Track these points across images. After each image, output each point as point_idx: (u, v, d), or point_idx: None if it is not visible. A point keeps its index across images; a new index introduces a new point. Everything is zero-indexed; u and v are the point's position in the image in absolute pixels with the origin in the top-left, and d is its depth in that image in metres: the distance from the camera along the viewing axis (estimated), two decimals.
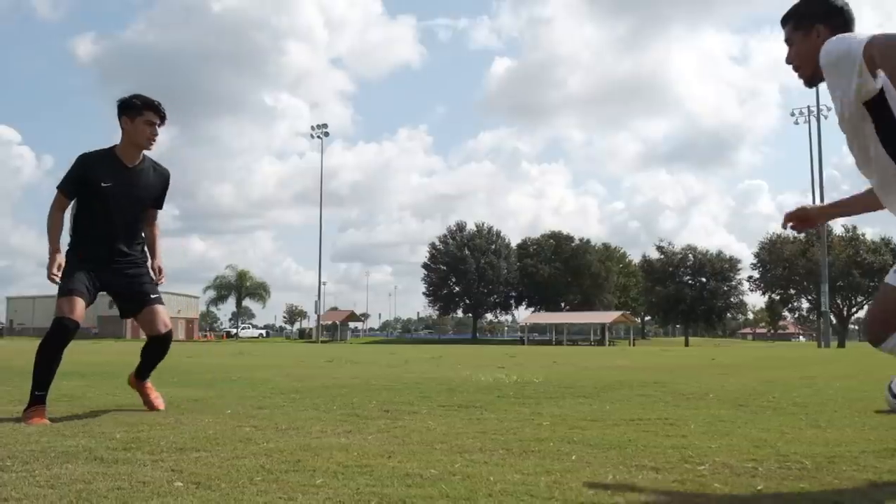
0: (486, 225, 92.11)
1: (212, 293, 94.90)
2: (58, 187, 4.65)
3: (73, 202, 4.70)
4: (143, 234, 4.88)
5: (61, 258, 4.51)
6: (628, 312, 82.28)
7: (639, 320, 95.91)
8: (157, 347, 4.87)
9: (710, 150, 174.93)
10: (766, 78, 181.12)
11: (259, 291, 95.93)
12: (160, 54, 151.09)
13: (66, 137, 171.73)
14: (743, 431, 3.85)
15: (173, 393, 5.83)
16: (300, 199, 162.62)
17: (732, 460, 2.98)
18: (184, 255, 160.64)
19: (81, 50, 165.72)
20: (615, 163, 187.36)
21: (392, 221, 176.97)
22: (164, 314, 4.80)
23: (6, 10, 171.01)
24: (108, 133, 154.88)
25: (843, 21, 2.72)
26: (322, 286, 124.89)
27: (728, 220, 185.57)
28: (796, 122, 56.48)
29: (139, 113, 4.62)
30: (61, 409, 4.72)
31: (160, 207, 4.95)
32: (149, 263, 4.86)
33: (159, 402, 4.90)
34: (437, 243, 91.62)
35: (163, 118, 4.70)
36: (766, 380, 8.08)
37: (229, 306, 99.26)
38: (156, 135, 4.69)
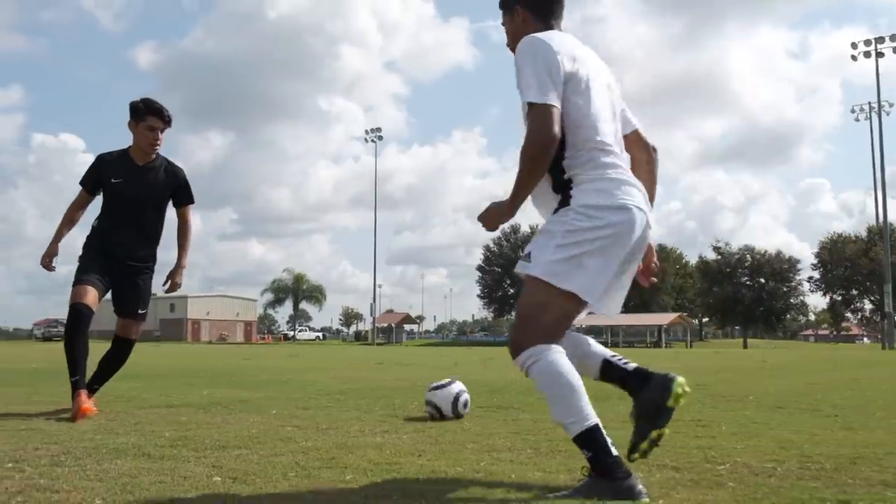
0: (539, 227, 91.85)
1: (269, 296, 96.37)
2: (79, 183, 4.99)
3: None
4: (158, 235, 5.09)
5: (55, 249, 4.91)
6: (685, 314, 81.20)
7: (696, 322, 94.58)
8: (121, 347, 5.09)
9: (769, 147, 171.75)
10: (826, 73, 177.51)
11: (315, 294, 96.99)
12: (218, 61, 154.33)
13: (128, 144, 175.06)
14: (773, 433, 3.89)
15: (225, 394, 6.06)
16: (355, 202, 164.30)
17: (754, 461, 3.04)
18: (242, 259, 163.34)
19: (142, 59, 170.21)
20: (671, 162, 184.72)
21: (447, 224, 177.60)
22: (138, 328, 5.12)
23: (71, 22, 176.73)
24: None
25: (551, 2, 2.81)
26: (378, 289, 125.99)
27: (788, 219, 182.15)
28: (857, 119, 55.14)
29: (142, 118, 4.85)
30: (118, 408, 4.95)
31: (186, 202, 5.13)
32: (150, 269, 5.12)
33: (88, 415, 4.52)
34: (492, 245, 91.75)
35: (167, 123, 4.90)
36: (811, 382, 8.01)
37: (286, 309, 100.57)
38: (157, 139, 4.89)
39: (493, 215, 2.70)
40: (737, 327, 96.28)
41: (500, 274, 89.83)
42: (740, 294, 79.61)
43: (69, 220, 4.99)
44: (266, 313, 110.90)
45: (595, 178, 2.56)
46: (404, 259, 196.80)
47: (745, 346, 65.56)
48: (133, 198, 4.90)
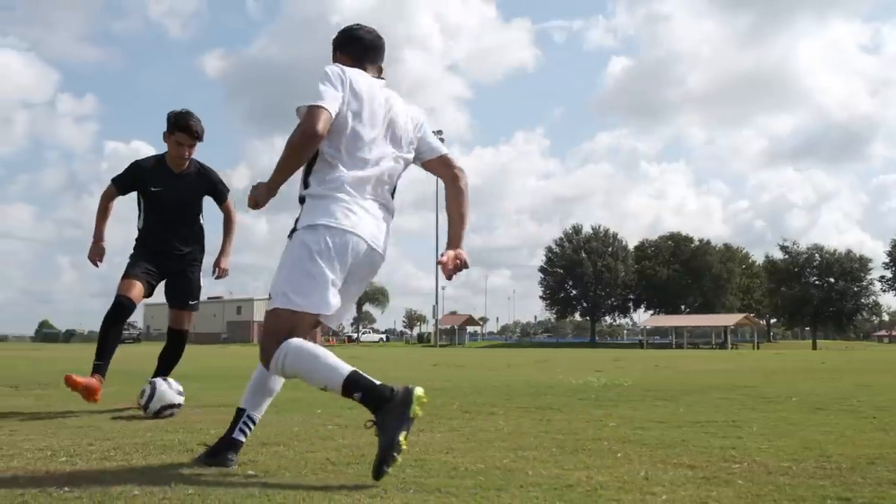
0: (602, 227, 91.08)
1: None
2: (112, 179, 5.26)
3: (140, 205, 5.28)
4: (200, 232, 5.41)
5: (102, 246, 5.23)
6: (752, 315, 79.68)
7: (763, 323, 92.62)
8: (175, 339, 5.38)
9: (841, 144, 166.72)
10: None
11: (378, 296, 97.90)
12: (282, 67, 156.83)
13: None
14: (803, 434, 3.92)
15: (279, 394, 6.25)
16: (419, 204, 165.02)
17: (772, 460, 3.10)
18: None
19: (209, 66, 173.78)
20: (739, 160, 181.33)
21: (510, 225, 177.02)
22: (192, 319, 5.43)
23: (141, 32, 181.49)
24: (234, 145, 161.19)
25: (362, 48, 3.21)
26: (441, 290, 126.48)
27: (862, 217, 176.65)
28: None
29: (172, 132, 5.08)
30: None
31: (223, 199, 5.43)
32: (204, 259, 5.45)
33: None
34: (554, 247, 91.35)
35: (195, 138, 5.12)
36: (863, 383, 7.92)
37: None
38: (184, 155, 5.13)
39: (260, 192, 2.95)
40: (806, 328, 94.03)
41: (562, 275, 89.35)
42: (809, 294, 77.81)
43: (104, 212, 5.30)
44: None
45: (326, 195, 2.87)
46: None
47: (814, 348, 64.05)
48: (172, 204, 5.19)
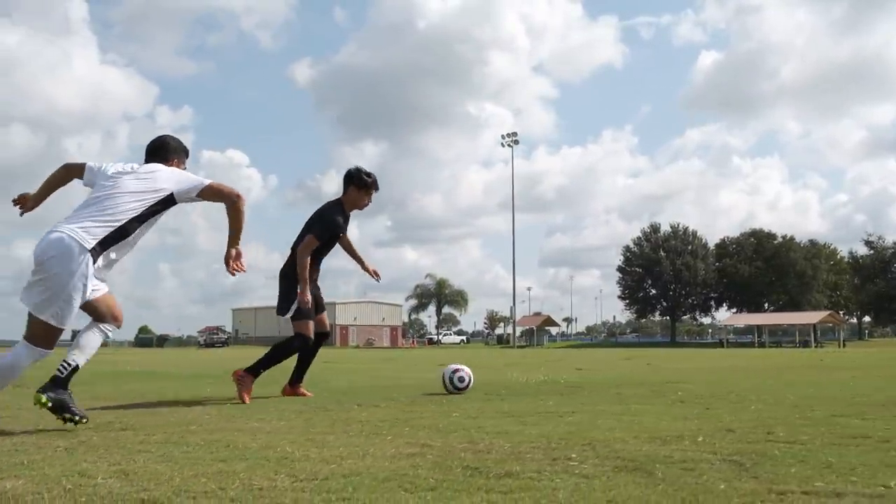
0: (681, 225, 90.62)
1: (413, 301, 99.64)
2: (314, 235, 6.15)
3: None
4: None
5: (308, 296, 6.09)
6: (840, 313, 78.06)
7: (852, 320, 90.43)
8: (318, 339, 6.45)
9: None
10: None
11: (457, 299, 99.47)
12: (370, 73, 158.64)
13: (288, 158, 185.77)
14: (605, 421, 4.09)
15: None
16: (505, 205, 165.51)
17: (501, 440, 3.44)
18: (397, 265, 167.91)
19: (299, 75, 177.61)
20: (837, 153, 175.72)
21: (598, 224, 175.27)
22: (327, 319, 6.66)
23: (234, 44, 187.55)
24: (324, 151, 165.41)
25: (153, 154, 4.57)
26: (528, 291, 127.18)
27: None
28: None
29: (367, 189, 6.33)
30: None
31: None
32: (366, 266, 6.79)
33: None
34: (632, 246, 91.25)
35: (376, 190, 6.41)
36: (790, 381, 8.19)
37: (433, 313, 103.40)
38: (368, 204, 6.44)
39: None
40: None
41: (641, 274, 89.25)
42: (895, 290, 75.92)
43: (308, 265, 6.15)
44: (416, 317, 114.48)
45: None
46: (556, 261, 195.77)
47: None
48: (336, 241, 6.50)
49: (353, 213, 6.51)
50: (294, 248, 6.29)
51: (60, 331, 4.00)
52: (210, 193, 4.31)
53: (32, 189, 4.59)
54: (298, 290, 6.09)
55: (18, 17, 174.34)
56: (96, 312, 4.22)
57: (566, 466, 2.89)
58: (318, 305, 6.45)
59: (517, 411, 4.95)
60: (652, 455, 3.12)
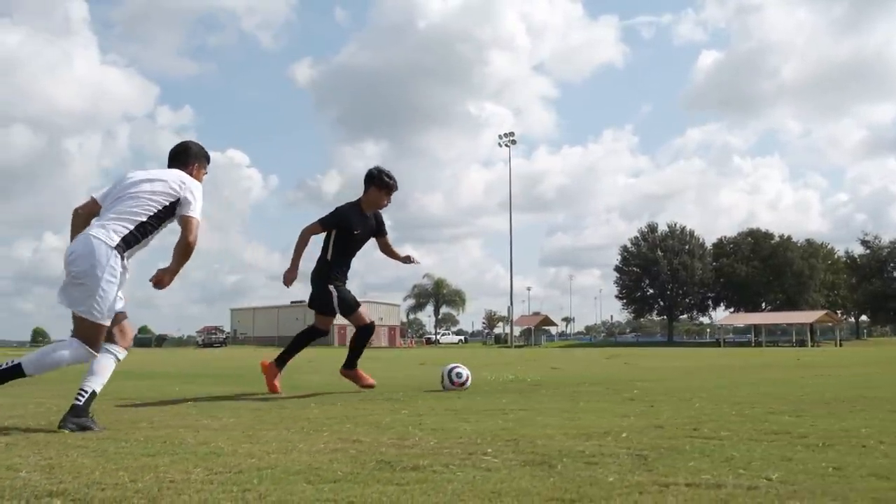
0: (678, 225, 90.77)
1: (411, 301, 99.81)
2: (319, 220, 6.57)
3: (330, 236, 6.60)
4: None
5: (295, 273, 6.46)
6: (837, 312, 78.15)
7: (849, 319, 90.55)
8: (364, 333, 6.86)
9: None
10: None
11: (455, 299, 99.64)
12: (370, 73, 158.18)
13: (289, 158, 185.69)
14: (542, 418, 4.15)
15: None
16: (506, 205, 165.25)
17: (432, 435, 3.81)
18: (398, 265, 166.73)
19: (299, 75, 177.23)
20: (837, 152, 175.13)
21: (599, 224, 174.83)
22: (367, 312, 6.91)
23: (234, 44, 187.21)
24: (324, 151, 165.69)
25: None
26: (528, 290, 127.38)
27: None
28: None
29: (388, 190, 6.67)
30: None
31: (386, 234, 6.99)
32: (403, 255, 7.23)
33: (371, 380, 6.93)
34: (629, 245, 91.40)
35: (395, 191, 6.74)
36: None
37: (431, 312, 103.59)
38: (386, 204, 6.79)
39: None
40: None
41: (638, 274, 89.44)
42: (892, 289, 76.03)
43: (304, 247, 6.58)
44: (414, 317, 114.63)
45: None
46: (557, 261, 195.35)
47: None
48: (362, 241, 6.84)
49: None
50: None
51: (102, 327, 4.17)
52: (185, 223, 4.48)
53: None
54: (288, 268, 6.51)
55: (19, 17, 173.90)
56: (108, 330, 4.31)
57: (476, 461, 2.99)
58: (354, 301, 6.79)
59: (466, 409, 5.04)
60: (566, 450, 3.22)
